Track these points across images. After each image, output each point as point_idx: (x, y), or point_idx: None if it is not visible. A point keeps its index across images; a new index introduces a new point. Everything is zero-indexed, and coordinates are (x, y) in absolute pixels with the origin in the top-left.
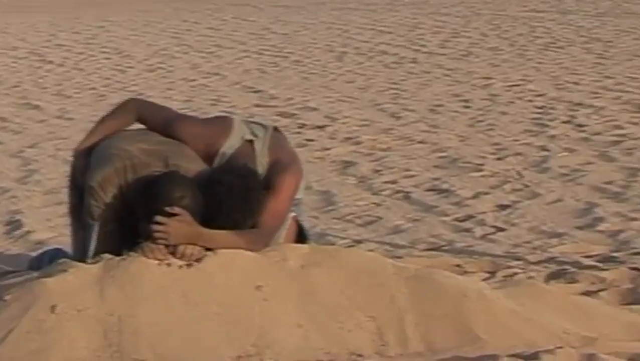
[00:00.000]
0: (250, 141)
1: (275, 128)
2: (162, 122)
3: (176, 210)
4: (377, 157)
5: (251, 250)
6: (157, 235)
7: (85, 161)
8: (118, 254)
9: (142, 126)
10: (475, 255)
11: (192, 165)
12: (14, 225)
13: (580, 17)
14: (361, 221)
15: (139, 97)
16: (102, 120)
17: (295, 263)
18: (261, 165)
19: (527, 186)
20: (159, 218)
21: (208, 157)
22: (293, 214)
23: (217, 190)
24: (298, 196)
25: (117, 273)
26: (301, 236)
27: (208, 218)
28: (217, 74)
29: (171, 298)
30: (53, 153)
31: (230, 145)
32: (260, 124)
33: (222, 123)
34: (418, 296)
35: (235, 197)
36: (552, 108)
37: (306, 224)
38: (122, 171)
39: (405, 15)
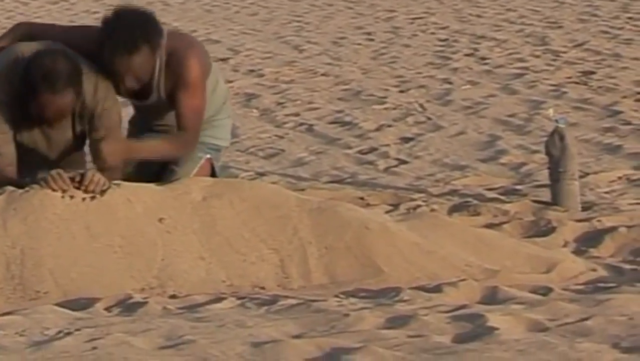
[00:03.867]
0: None
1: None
2: (55, 35)
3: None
4: (280, 89)
5: (183, 152)
6: (103, 156)
7: None
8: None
9: None
10: (378, 187)
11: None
12: None
13: None
14: (264, 153)
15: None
16: None
17: (197, 196)
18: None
19: (430, 119)
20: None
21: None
22: (208, 156)
23: (108, 20)
24: (223, 144)
25: (19, 205)
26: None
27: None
28: None
29: (74, 230)
30: None
31: None
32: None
33: None
34: (321, 229)
35: (124, 23)
36: (455, 41)
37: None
38: (12, 65)
39: None
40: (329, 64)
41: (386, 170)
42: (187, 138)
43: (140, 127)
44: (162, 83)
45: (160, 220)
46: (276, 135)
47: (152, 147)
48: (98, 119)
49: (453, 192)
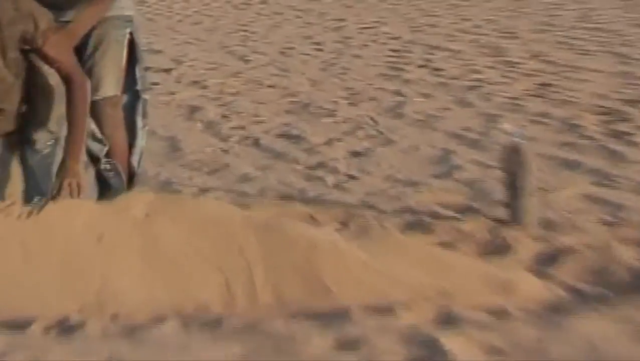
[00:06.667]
0: None
1: None
2: None
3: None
4: (225, 101)
5: (109, 7)
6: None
7: None
8: None
9: None
10: (327, 204)
11: None
12: None
13: None
14: (208, 168)
15: None
16: None
17: (139, 212)
18: None
19: (381, 132)
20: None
21: None
22: (128, 30)
23: None
24: (130, 13)
25: None
26: (133, 52)
27: None
28: None
29: (10, 248)
30: None
31: None
32: None
33: None
34: (267, 247)
35: None
36: (407, 51)
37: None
38: None
39: None
40: (276, 75)
41: (336, 186)
42: None
43: None
44: None
45: (100, 237)
46: (221, 149)
47: (87, 19)
48: (35, 30)
49: (406, 209)
